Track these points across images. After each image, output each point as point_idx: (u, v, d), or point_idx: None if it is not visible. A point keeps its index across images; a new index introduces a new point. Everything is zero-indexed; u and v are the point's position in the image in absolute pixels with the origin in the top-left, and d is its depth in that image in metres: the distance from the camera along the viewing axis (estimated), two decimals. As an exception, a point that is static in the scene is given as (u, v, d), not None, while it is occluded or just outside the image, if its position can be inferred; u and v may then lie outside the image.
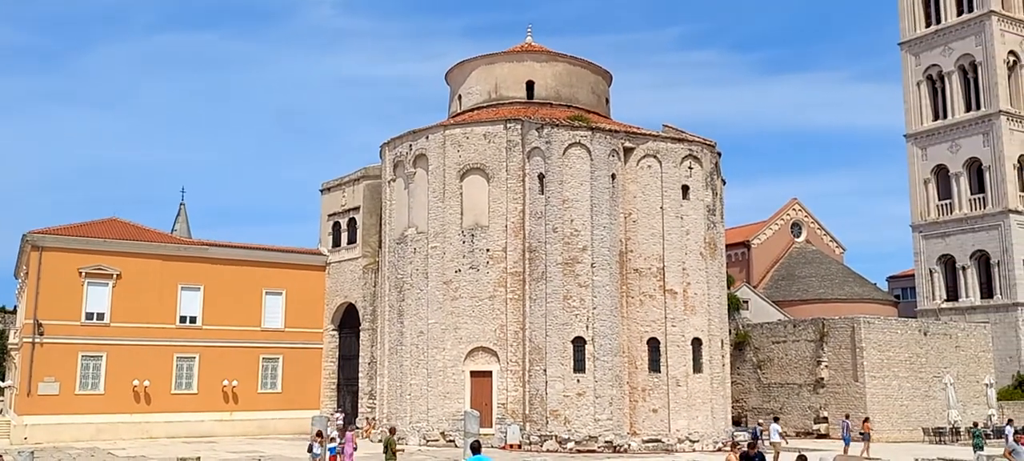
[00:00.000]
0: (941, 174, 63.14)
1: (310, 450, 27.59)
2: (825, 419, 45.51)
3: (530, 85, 45.43)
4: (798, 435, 45.31)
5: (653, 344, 39.42)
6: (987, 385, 47.47)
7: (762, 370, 49.72)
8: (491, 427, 38.31)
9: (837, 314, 50.40)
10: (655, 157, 40.83)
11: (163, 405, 44.35)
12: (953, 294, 61.83)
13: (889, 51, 67.66)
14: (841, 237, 73.48)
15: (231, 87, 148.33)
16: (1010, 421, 39.75)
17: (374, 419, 43.97)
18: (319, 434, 28.70)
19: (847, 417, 38.54)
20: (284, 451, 36.84)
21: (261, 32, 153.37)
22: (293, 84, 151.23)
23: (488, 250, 39.87)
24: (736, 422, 46.95)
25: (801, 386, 47.37)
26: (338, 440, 30.52)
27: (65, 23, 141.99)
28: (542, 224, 39.03)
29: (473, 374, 39.48)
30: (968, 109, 62.04)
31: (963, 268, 61.04)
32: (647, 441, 38.46)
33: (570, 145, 39.30)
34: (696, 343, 39.94)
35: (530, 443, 37.51)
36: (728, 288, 46.55)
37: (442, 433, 39.11)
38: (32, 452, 25.81)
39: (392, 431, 28.76)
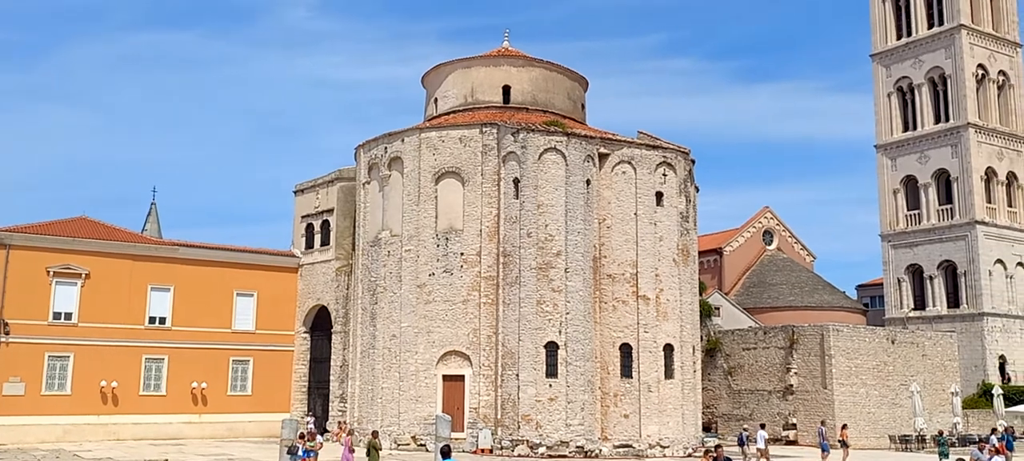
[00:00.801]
0: (910, 185, 64.04)
1: (294, 452, 27.50)
2: (794, 425, 45.94)
3: (506, 90, 45.50)
4: (767, 442, 45.59)
5: (625, 349, 39.58)
6: (953, 393, 48.12)
7: (732, 376, 50.11)
8: (463, 432, 38.29)
9: (807, 322, 50.91)
10: (630, 163, 41.04)
11: (131, 407, 43.83)
12: (920, 303, 62.70)
13: (861, 63, 68.86)
14: (812, 245, 74.30)
15: (205, 87, 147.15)
16: (994, 430, 40.07)
17: (345, 423, 43.74)
18: (302, 436, 28.73)
19: (823, 424, 38.90)
20: (253, 454, 36.55)
21: (236, 33, 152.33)
22: (268, 85, 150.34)
23: (462, 254, 39.85)
24: (706, 428, 47.27)
25: (771, 393, 47.78)
26: (317, 440, 30.43)
27: (38, 19, 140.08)
28: (517, 229, 39.08)
29: (445, 378, 39.41)
30: (937, 121, 62.99)
31: (930, 278, 61.92)
32: (618, 446, 38.61)
33: (545, 150, 39.40)
34: (668, 349, 40.17)
35: (501, 448, 37.51)
36: (700, 295, 46.87)
37: (413, 437, 39.01)
38: (-4, 454, 25.40)
39: (375, 434, 29.01)
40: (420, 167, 40.87)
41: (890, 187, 64.75)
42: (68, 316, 43.14)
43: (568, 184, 39.22)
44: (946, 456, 34.39)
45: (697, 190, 44.95)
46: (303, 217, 50.29)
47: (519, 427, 37.57)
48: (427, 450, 37.02)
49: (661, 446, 39.07)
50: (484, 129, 40.59)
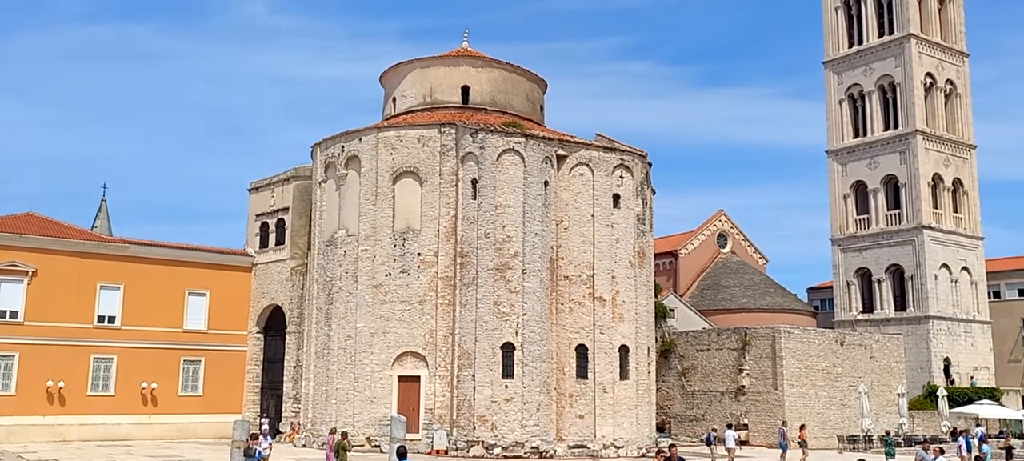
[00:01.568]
0: (860, 190, 65.33)
1: (253, 455, 27.20)
2: (746, 426, 46.58)
3: (465, 90, 45.46)
4: (737, 442, 46.16)
5: (581, 350, 39.79)
6: (899, 394, 49.21)
7: (686, 377, 50.67)
8: (418, 433, 38.17)
9: (759, 323, 51.69)
10: (587, 166, 41.27)
11: (78, 407, 42.90)
12: (869, 306, 64.00)
13: (814, 70, 70.08)
14: (764, 248, 75.36)
15: (159, 82, 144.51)
16: (965, 430, 40.66)
17: (298, 423, 43.31)
18: (254, 436, 28.42)
19: (784, 424, 39.47)
20: (204, 455, 36.03)
21: (191, 27, 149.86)
22: (223, 81, 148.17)
23: (419, 254, 39.73)
24: (660, 428, 47.74)
25: (723, 394, 48.42)
26: (264, 443, 30.02)
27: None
28: (474, 229, 39.07)
29: (401, 379, 39.25)
30: (886, 128, 64.33)
31: (879, 281, 63.24)
32: (573, 447, 38.81)
33: (504, 151, 39.44)
34: (623, 350, 40.48)
35: (457, 448, 37.47)
36: (655, 296, 47.30)
37: (368, 438, 38.77)
38: (-64, 456, 24.70)
39: (344, 435, 28.95)
40: (378, 167, 40.64)
41: (840, 192, 66.00)
42: (13, 314, 42.09)
43: (526, 185, 39.31)
44: (893, 456, 35.17)
45: (653, 193, 45.37)
46: (258, 216, 49.67)
47: (475, 428, 37.55)
48: (382, 451, 36.83)
49: (615, 446, 39.35)
50: (443, 129, 40.51)
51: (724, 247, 72.11)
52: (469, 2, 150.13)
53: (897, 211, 62.94)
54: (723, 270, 69.26)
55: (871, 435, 45.46)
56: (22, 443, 40.03)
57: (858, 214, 65.18)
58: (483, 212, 39.04)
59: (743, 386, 47.33)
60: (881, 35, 65.16)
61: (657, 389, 46.21)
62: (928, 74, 63.97)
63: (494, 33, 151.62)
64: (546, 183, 40.08)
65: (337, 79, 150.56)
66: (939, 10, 66.15)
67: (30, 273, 42.42)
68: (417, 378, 39.16)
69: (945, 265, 61.93)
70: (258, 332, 48.45)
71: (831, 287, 68.42)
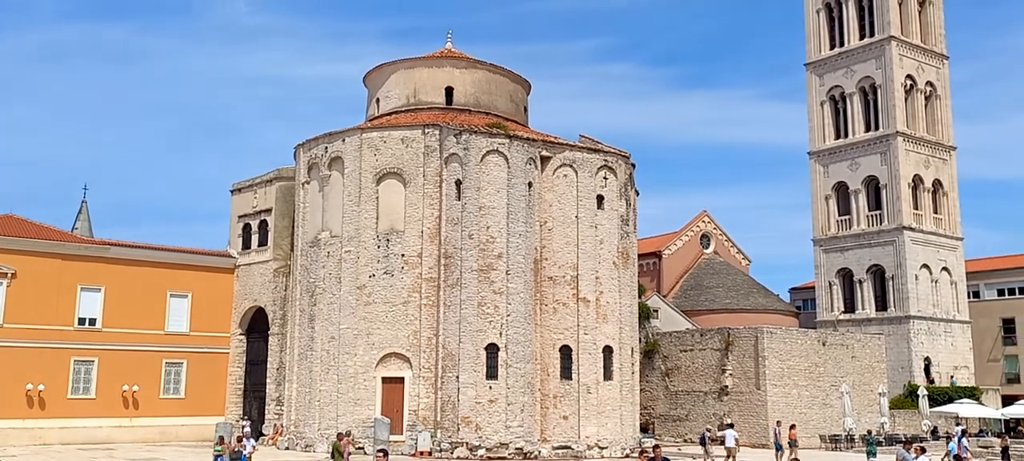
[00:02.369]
0: (841, 191, 65.78)
1: (238, 457, 27.19)
2: (731, 425, 46.65)
3: (449, 91, 45.42)
4: (737, 442, 46.28)
5: (565, 351, 39.85)
6: (880, 394, 49.53)
7: (670, 378, 50.82)
8: (402, 434, 38.10)
9: (742, 324, 51.92)
10: (571, 167, 41.33)
11: (58, 410, 42.48)
12: (850, 306, 64.45)
13: (796, 71, 70.48)
14: (747, 249, 75.75)
15: (140, 82, 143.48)
16: (963, 429, 40.82)
17: (281, 426, 43.11)
18: (239, 439, 28.40)
19: (779, 424, 39.65)
20: (186, 458, 35.83)
21: (172, 27, 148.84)
22: (205, 81, 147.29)
23: (403, 255, 39.65)
24: (644, 429, 47.85)
25: (707, 394, 48.60)
26: (247, 445, 29.90)
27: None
28: (458, 230, 39.04)
29: (385, 380, 39.15)
30: (867, 129, 64.82)
31: (860, 281, 63.70)
32: (557, 448, 38.85)
33: (488, 152, 39.44)
34: (607, 351, 40.56)
35: (441, 450, 37.42)
36: (639, 297, 47.43)
37: (351, 440, 38.59)
38: (-87, 460, 24.40)
39: (339, 437, 28.85)
40: (361, 167, 40.53)
41: (822, 193, 66.45)
42: (-8, 317, 41.64)
43: (510, 186, 39.31)
44: (874, 455, 35.42)
45: (637, 194, 45.49)
46: (240, 217, 49.39)
47: (459, 429, 37.51)
48: (365, 452, 36.74)
49: (599, 447, 39.42)
50: (426, 130, 40.45)
51: (707, 248, 72.40)
52: (452, 3, 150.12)
53: (878, 212, 63.43)
54: (706, 271, 69.54)
55: (853, 435, 45.75)
56: (1, 447, 39.59)
57: (840, 215, 65.62)
58: (467, 213, 39.02)
59: (726, 386, 47.53)
60: (862, 37, 65.66)
61: (641, 390, 46.32)
62: (908, 76, 64.50)
63: (478, 34, 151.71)
64: (530, 184, 40.11)
65: (320, 79, 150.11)
66: (919, 13, 66.75)
67: (9, 275, 41.98)
68: (401, 380, 39.07)
69: (925, 265, 62.47)
70: (240, 334, 48.18)
71: (813, 287, 68.88)
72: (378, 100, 46.79)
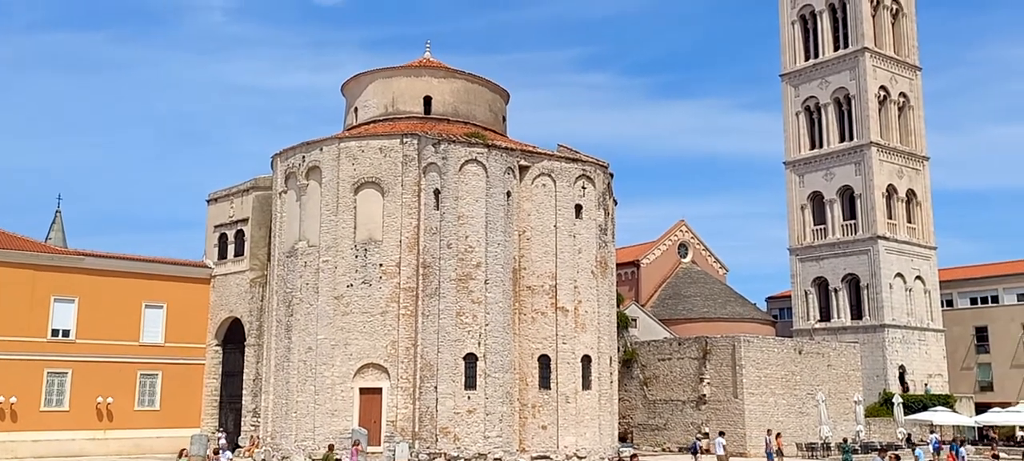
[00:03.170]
0: (817, 200, 66.36)
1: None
2: (706, 434, 46.94)
3: (428, 100, 45.42)
4: (681, 451, 46.57)
5: (544, 361, 39.85)
6: (856, 402, 49.94)
7: (648, 387, 50.95)
8: (380, 445, 37.91)
9: (719, 333, 52.18)
10: (550, 176, 41.43)
11: (31, 423, 41.88)
12: (826, 315, 64.96)
13: (771, 82, 71.06)
14: (724, 258, 76.26)
15: (115, 91, 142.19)
16: (959, 440, 41.05)
17: (257, 437, 42.75)
18: (215, 451, 28.23)
19: (769, 433, 39.87)
20: (162, 471, 35.42)
21: (148, 35, 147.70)
22: (181, 90, 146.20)
23: (381, 265, 39.52)
24: (622, 438, 47.91)
25: (685, 403, 48.76)
26: (223, 458, 29.69)
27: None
28: (437, 240, 38.98)
29: (362, 391, 38.95)
30: (842, 139, 65.49)
31: (835, 290, 64.24)
32: (536, 457, 38.81)
33: (466, 161, 39.45)
34: (586, 360, 40.61)
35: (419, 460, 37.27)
36: (617, 306, 47.56)
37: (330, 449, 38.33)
38: None
39: (330, 448, 28.67)
40: (339, 177, 40.39)
41: (798, 203, 67.01)
42: (-38, 328, 41.01)
43: (488, 196, 39.33)
44: (850, 462, 35.71)
45: (615, 203, 45.66)
46: (216, 227, 49.03)
47: (437, 440, 37.38)
48: (344, 464, 36.47)
49: (578, 456, 39.41)
50: (405, 139, 40.41)
51: (685, 257, 72.77)
52: (431, 12, 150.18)
53: (853, 221, 64.04)
54: (684, 280, 69.90)
55: (829, 442, 46.07)
56: (-29, 461, 39.03)
57: (815, 224, 66.18)
58: (445, 222, 38.97)
59: (704, 395, 47.71)
60: (837, 49, 66.36)
61: (619, 399, 46.41)
62: (882, 87, 65.24)
63: (456, 43, 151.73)
64: (509, 193, 40.14)
65: (298, 89, 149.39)
66: (892, 25, 67.58)
67: (-20, 286, 41.38)
68: (379, 390, 38.89)
69: (899, 274, 63.11)
70: (216, 345, 47.77)
71: (789, 296, 69.34)
72: (356, 109, 46.68)
